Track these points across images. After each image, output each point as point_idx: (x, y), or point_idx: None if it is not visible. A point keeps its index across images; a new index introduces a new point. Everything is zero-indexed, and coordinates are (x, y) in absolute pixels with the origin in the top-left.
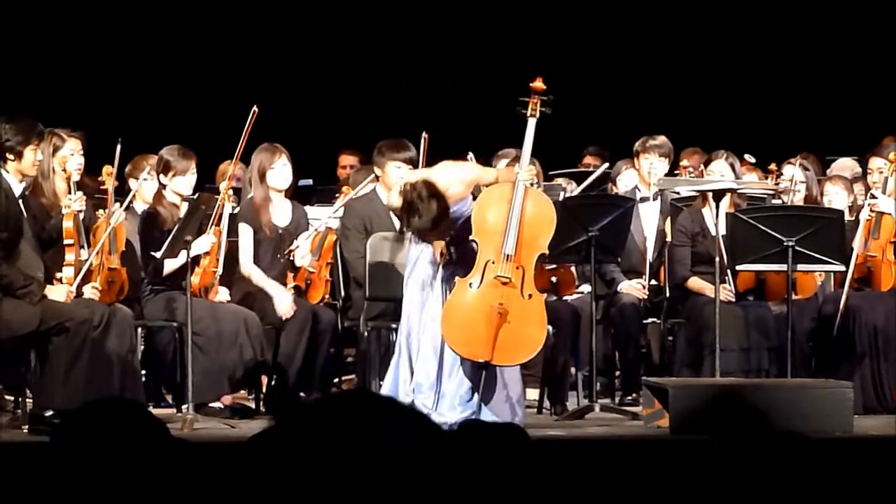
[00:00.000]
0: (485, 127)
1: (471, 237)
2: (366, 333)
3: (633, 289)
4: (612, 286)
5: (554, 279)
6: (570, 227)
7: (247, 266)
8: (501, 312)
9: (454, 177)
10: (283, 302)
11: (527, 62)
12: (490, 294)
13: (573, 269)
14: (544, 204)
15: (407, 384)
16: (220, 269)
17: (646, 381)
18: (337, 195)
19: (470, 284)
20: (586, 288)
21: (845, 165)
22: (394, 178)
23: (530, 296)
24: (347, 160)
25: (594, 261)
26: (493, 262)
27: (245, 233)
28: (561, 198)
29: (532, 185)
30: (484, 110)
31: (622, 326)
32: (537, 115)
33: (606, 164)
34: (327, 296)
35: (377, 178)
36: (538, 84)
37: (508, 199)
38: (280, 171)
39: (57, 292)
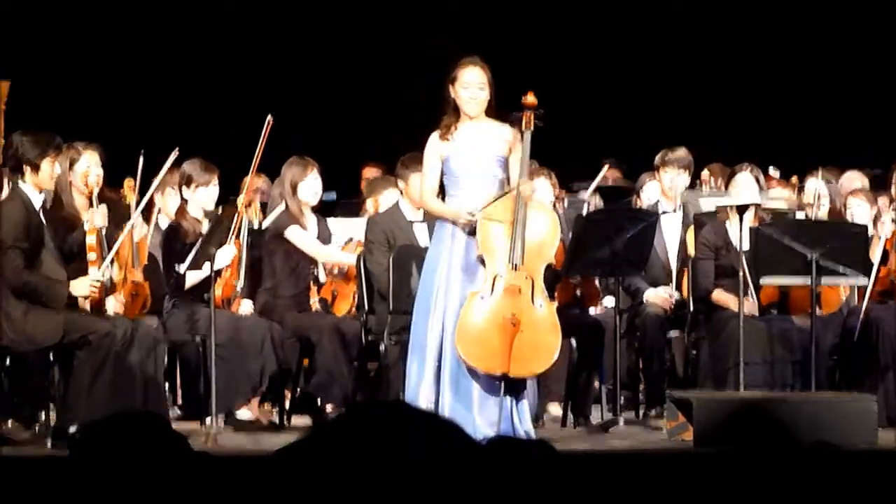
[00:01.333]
0: None
1: (477, 253)
2: (388, 347)
3: (658, 297)
4: (636, 297)
5: (578, 292)
6: (594, 241)
7: (322, 252)
8: (514, 323)
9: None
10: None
11: (548, 74)
12: (502, 305)
13: (597, 282)
14: (546, 214)
15: (428, 388)
16: (241, 282)
17: (670, 394)
18: (362, 210)
19: (481, 298)
20: (610, 301)
21: (854, 177)
22: (416, 190)
23: (541, 304)
24: (371, 173)
25: (618, 274)
26: (502, 276)
27: (297, 231)
28: (585, 211)
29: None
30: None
31: (646, 338)
32: (532, 128)
33: (611, 171)
34: (354, 308)
35: (401, 191)
36: (530, 99)
37: (511, 212)
38: (311, 184)
39: (80, 287)
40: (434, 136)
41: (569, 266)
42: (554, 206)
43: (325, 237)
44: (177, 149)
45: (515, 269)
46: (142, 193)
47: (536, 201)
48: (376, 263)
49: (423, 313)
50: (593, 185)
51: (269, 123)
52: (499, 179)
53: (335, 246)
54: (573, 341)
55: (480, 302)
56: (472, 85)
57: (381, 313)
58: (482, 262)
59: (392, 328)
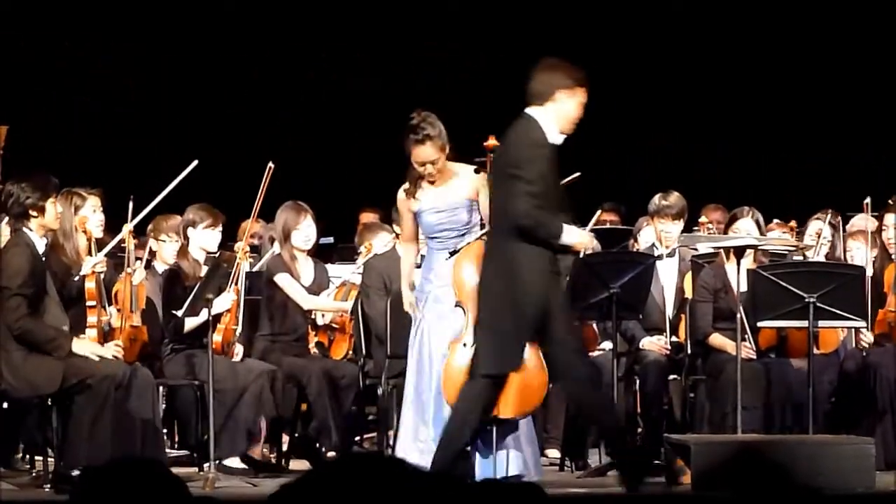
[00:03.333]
0: None
1: (455, 302)
2: (386, 391)
3: (653, 345)
4: (632, 343)
5: None
6: (591, 284)
7: (308, 302)
8: None
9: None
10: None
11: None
12: None
13: (595, 325)
14: None
15: (421, 433)
16: (239, 327)
17: (668, 437)
18: (361, 251)
19: (463, 345)
20: (608, 345)
21: (860, 221)
22: None
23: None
24: (368, 217)
25: (616, 317)
26: None
27: (286, 279)
28: (582, 254)
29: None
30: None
31: (647, 384)
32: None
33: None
34: (351, 352)
35: (396, 235)
36: (491, 142)
37: (481, 256)
38: (305, 231)
39: (83, 346)
40: (401, 194)
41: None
42: None
43: (322, 282)
44: (195, 161)
45: None
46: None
47: None
48: (373, 308)
49: (409, 364)
50: (587, 228)
51: (270, 169)
52: (473, 224)
53: (327, 294)
54: None
55: (463, 350)
56: (422, 163)
57: (379, 357)
58: (461, 308)
59: (390, 372)
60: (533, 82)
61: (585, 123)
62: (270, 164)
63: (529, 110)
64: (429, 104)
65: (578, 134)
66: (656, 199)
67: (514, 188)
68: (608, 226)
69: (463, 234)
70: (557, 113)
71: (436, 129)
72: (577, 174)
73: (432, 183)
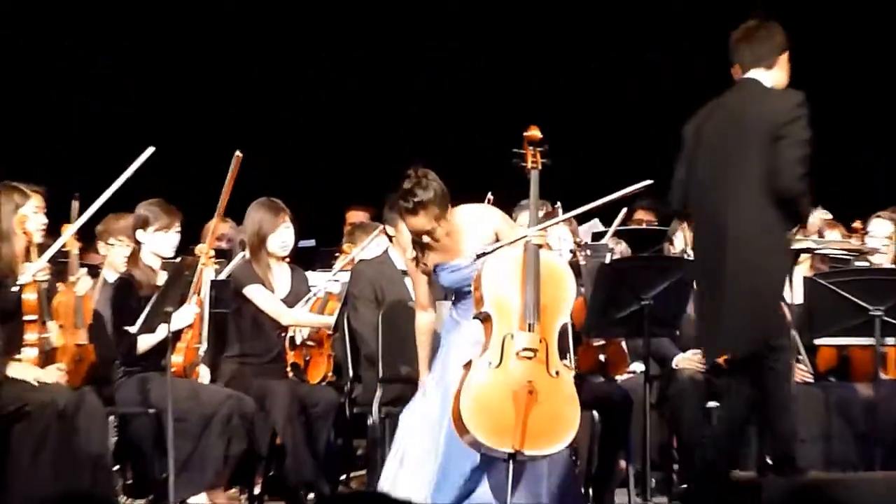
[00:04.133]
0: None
1: (481, 310)
2: (379, 422)
3: (688, 360)
4: (664, 364)
5: (602, 357)
6: (620, 295)
7: (286, 315)
8: (532, 391)
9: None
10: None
11: (560, 105)
12: (516, 372)
13: (624, 344)
14: (556, 265)
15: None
16: (203, 345)
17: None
18: (338, 255)
19: (489, 363)
20: (639, 366)
21: None
22: (408, 236)
23: (557, 372)
24: (356, 217)
25: (648, 334)
26: (513, 336)
27: (258, 291)
28: (608, 259)
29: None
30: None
31: (681, 410)
32: (539, 166)
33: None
34: (330, 373)
35: (390, 237)
36: (533, 133)
37: (521, 263)
38: (281, 235)
39: (20, 369)
40: (409, 261)
41: (590, 325)
42: (574, 254)
43: (300, 293)
44: (151, 147)
45: (531, 330)
46: (82, 241)
47: (545, 252)
48: (362, 322)
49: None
50: (613, 227)
51: (237, 160)
52: None
53: (302, 305)
54: (595, 414)
55: (489, 368)
56: (419, 233)
57: (370, 381)
58: (483, 319)
59: (383, 399)
60: (754, 45)
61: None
62: (238, 153)
63: (756, 74)
64: (429, 105)
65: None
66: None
67: (788, 153)
68: (643, 226)
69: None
70: (778, 78)
71: (429, 193)
72: (649, 181)
73: (434, 249)
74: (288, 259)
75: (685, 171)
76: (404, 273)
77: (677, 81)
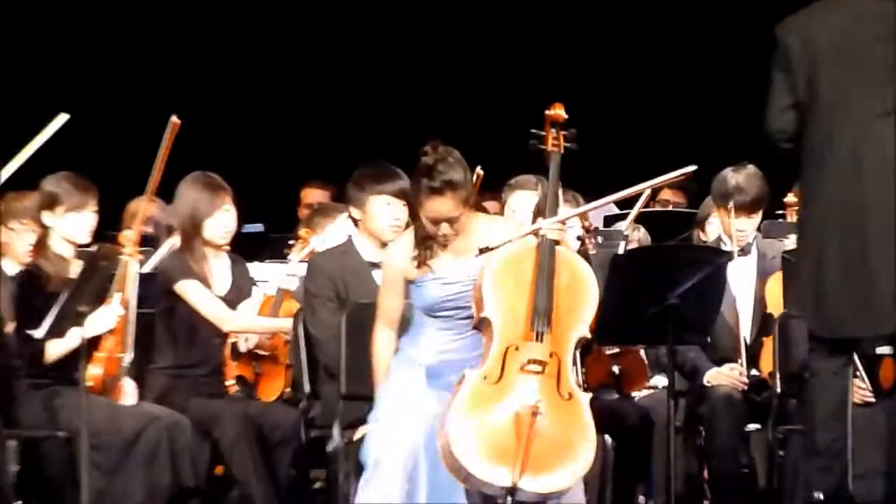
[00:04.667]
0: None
1: (481, 314)
2: (341, 448)
3: (725, 377)
4: (695, 378)
5: (616, 369)
6: (638, 293)
7: (230, 320)
8: (537, 413)
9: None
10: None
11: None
12: (519, 388)
13: (643, 353)
14: (577, 265)
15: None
16: (129, 355)
17: None
18: (292, 243)
19: (484, 377)
20: (661, 381)
21: None
22: (381, 220)
23: (570, 395)
24: (314, 197)
25: (673, 341)
26: (517, 348)
27: (193, 288)
28: (622, 249)
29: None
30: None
31: (714, 434)
32: (561, 150)
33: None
34: (287, 389)
35: (355, 221)
36: (556, 113)
37: (534, 260)
38: (221, 220)
39: None
40: (395, 256)
41: (601, 330)
42: (582, 242)
43: (243, 288)
44: (64, 115)
45: (539, 340)
46: None
47: (566, 251)
48: (321, 326)
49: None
50: (633, 211)
51: (174, 127)
52: None
53: (248, 305)
54: (608, 439)
55: (484, 384)
56: (437, 221)
57: (330, 398)
58: (482, 327)
59: (345, 420)
60: None
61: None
62: (174, 119)
63: None
64: (429, 104)
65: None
66: (726, 179)
67: None
68: (670, 208)
69: (468, 317)
70: None
71: (458, 172)
72: (693, 167)
73: (445, 246)
74: (228, 248)
75: (792, 95)
76: (373, 266)
77: (677, 78)
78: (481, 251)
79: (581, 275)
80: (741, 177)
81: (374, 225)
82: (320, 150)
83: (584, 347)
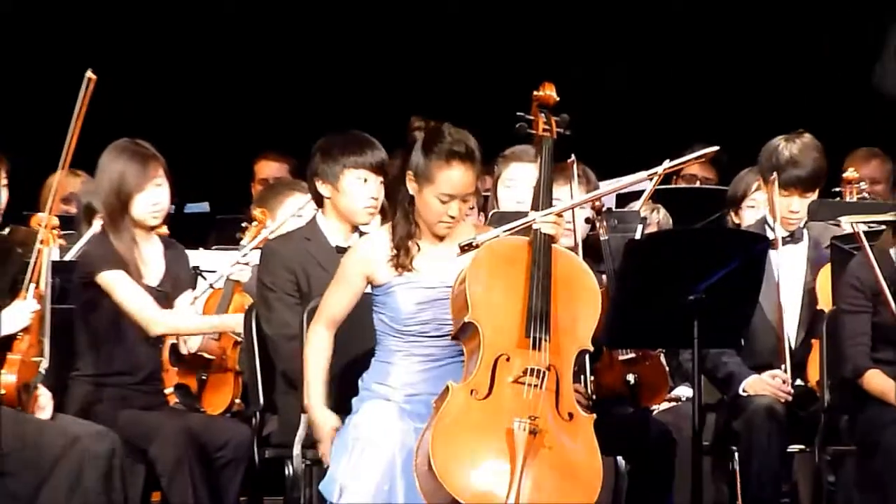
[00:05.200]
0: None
1: (464, 319)
2: (302, 471)
3: (764, 386)
4: (728, 388)
5: (631, 377)
6: (658, 286)
7: (158, 321)
8: (534, 431)
9: None
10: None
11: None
12: (511, 404)
13: (663, 359)
14: (579, 268)
15: None
16: (45, 361)
17: None
18: (245, 225)
19: (471, 392)
20: (686, 391)
21: None
22: (355, 199)
23: (570, 415)
24: (269, 170)
25: (701, 344)
26: (509, 358)
27: (119, 279)
28: (639, 234)
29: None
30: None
31: (750, 454)
32: (553, 135)
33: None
34: (238, 400)
35: (319, 199)
36: (547, 94)
37: (526, 260)
38: (152, 196)
39: None
40: (363, 250)
41: (614, 331)
42: (592, 226)
43: (180, 279)
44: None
45: (536, 348)
46: None
47: (563, 251)
48: (278, 324)
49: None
50: (649, 187)
51: (90, 83)
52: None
53: (190, 299)
54: (621, 462)
55: (471, 399)
56: (455, 195)
57: (289, 411)
58: (466, 337)
59: (308, 438)
60: None
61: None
62: (90, 74)
63: None
64: (404, 69)
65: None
66: (777, 150)
67: None
68: (697, 184)
69: (446, 336)
70: None
71: (477, 152)
72: (715, 147)
73: (443, 237)
74: (162, 230)
75: None
76: (341, 252)
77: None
78: (463, 248)
79: (580, 277)
80: (795, 147)
81: (347, 204)
82: (277, 117)
83: (594, 351)
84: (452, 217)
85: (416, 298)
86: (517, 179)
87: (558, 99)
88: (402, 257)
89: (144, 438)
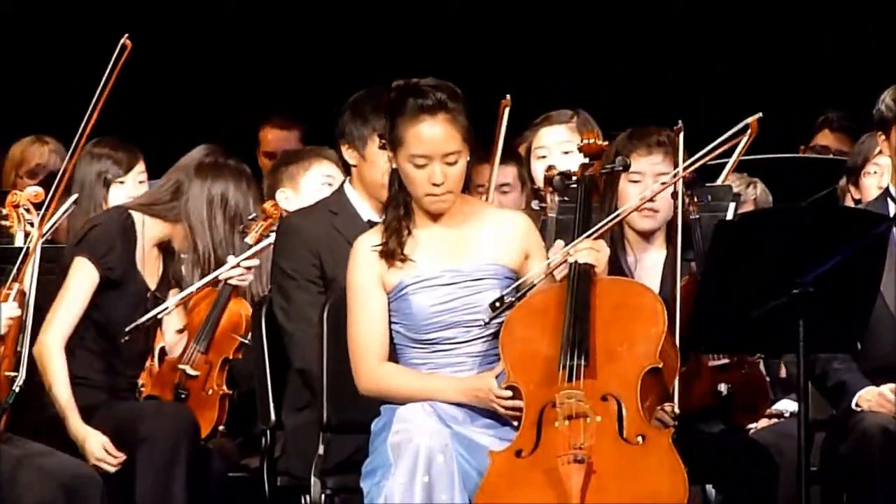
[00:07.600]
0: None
1: (496, 374)
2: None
3: (883, 402)
4: (841, 401)
5: (723, 388)
6: (754, 277)
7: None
8: (581, 459)
9: None
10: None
11: None
12: (554, 442)
13: (762, 367)
14: (628, 288)
15: None
16: (21, 376)
17: None
18: (251, 217)
19: (517, 452)
20: (789, 405)
21: None
22: (382, 171)
23: (643, 437)
24: (277, 139)
25: (807, 349)
26: (555, 404)
27: (84, 268)
28: (731, 213)
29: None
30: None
31: (864, 479)
32: (597, 174)
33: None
34: (221, 427)
35: (347, 168)
36: (592, 143)
37: (562, 301)
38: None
39: None
40: (363, 251)
41: (700, 332)
42: (686, 203)
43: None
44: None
45: (572, 378)
46: None
47: (609, 279)
48: (296, 318)
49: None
50: (732, 159)
51: (124, 49)
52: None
53: (174, 302)
54: (710, 490)
55: (519, 461)
56: (432, 156)
57: (303, 429)
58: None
59: (329, 461)
60: None
61: None
62: (125, 40)
63: None
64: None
65: None
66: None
67: None
68: (818, 154)
69: (476, 341)
70: None
71: (458, 104)
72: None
73: (436, 219)
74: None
75: None
76: (373, 227)
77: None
78: (494, 307)
79: (629, 294)
80: None
81: (374, 177)
82: (282, 79)
83: (681, 356)
84: (437, 185)
85: (430, 300)
86: (549, 147)
87: (605, 143)
88: (391, 244)
89: (125, 435)
